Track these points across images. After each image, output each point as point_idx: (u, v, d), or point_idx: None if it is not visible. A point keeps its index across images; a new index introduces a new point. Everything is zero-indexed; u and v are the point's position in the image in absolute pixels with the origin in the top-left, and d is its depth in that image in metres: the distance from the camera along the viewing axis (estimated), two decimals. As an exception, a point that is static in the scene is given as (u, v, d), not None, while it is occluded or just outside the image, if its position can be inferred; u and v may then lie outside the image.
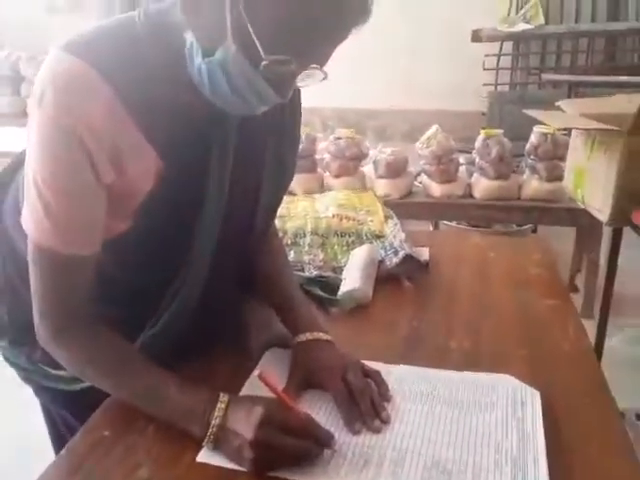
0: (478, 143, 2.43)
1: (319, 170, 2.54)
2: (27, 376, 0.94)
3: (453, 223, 2.88)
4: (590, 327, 1.07)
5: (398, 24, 3.95)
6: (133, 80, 0.67)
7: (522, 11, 4.31)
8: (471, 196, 2.48)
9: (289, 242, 1.25)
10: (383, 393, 0.78)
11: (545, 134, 2.34)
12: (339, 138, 2.49)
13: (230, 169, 0.77)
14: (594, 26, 4.26)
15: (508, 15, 4.34)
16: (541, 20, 4.24)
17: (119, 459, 0.68)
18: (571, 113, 1.61)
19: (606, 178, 1.43)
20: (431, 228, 2.97)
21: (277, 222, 1.06)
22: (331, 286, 1.09)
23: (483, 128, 2.68)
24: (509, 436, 0.71)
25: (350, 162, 2.48)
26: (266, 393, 0.72)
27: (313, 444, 0.67)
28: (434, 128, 2.47)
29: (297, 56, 0.62)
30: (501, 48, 4.36)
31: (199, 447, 0.69)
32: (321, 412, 0.76)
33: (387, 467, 0.66)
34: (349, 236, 1.29)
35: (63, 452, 0.70)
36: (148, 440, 0.71)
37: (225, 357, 0.88)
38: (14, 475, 1.63)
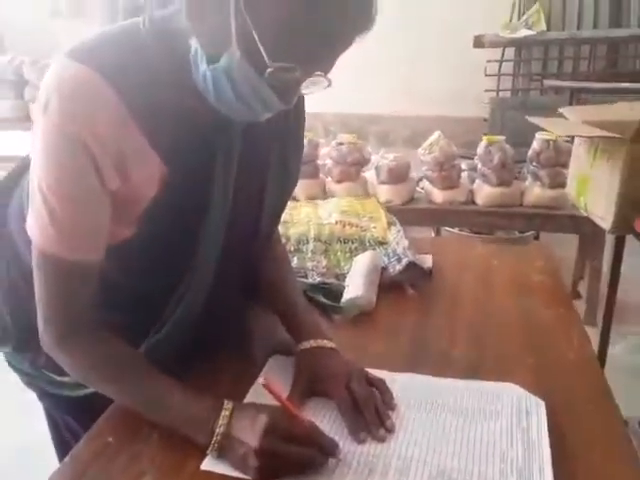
0: (480, 149, 2.43)
1: (321, 176, 2.54)
2: (30, 381, 0.94)
3: (455, 229, 2.88)
4: (593, 334, 1.07)
5: (400, 30, 3.96)
6: (137, 86, 0.67)
7: (524, 17, 4.32)
8: (473, 202, 2.48)
9: (292, 248, 1.25)
10: (387, 401, 0.78)
11: (547, 141, 2.34)
12: (341, 144, 2.49)
13: (234, 175, 0.77)
14: (596, 33, 4.27)
15: (510, 21, 4.35)
16: (543, 26, 4.25)
17: (123, 467, 0.68)
18: (573, 120, 1.61)
19: (609, 186, 1.43)
20: (433, 234, 2.97)
21: (280, 228, 1.06)
22: (334, 293, 1.09)
23: (485, 134, 2.68)
24: (514, 445, 0.70)
25: (352, 168, 2.48)
26: (270, 400, 0.72)
27: (318, 453, 0.67)
28: (436, 134, 2.47)
29: (302, 63, 0.62)
30: (503, 54, 4.37)
31: (203, 455, 0.68)
32: (325, 420, 0.75)
33: (392, 476, 0.66)
34: (352, 242, 1.29)
35: (67, 459, 0.70)
36: (152, 448, 0.71)
37: (229, 363, 0.88)
38: (17, 480, 1.63)
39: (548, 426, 0.73)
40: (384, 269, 1.18)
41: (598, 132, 1.44)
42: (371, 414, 0.74)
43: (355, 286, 1.09)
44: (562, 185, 2.24)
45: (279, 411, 0.70)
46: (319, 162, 2.53)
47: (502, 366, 0.89)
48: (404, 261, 1.17)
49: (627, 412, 0.89)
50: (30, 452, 1.51)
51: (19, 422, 1.63)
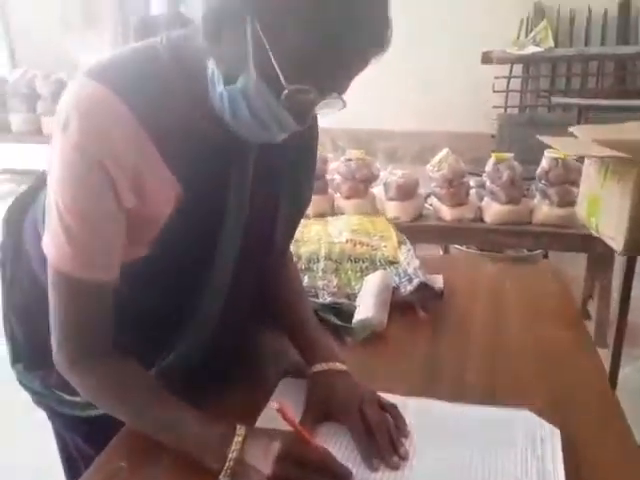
0: (489, 167, 2.43)
1: (330, 191, 2.54)
2: (41, 400, 0.94)
3: (463, 247, 2.87)
4: (603, 356, 1.06)
5: (409, 46, 3.98)
6: (152, 103, 0.67)
7: (532, 34, 4.34)
8: (481, 220, 2.48)
9: (303, 267, 1.25)
10: (400, 427, 0.77)
11: (556, 159, 2.34)
12: (350, 159, 2.49)
13: (249, 193, 0.78)
14: (604, 49, 4.29)
15: (518, 38, 4.38)
16: (551, 43, 4.27)
17: (136, 491, 0.68)
18: (583, 139, 1.61)
19: (620, 207, 1.43)
20: (441, 252, 2.97)
21: (291, 247, 1.06)
22: (346, 313, 1.09)
23: (493, 151, 2.68)
24: (529, 474, 0.70)
25: (361, 184, 2.48)
26: (282, 424, 0.71)
27: (331, 480, 0.66)
28: (445, 151, 2.47)
29: (317, 85, 0.63)
30: (511, 70, 4.39)
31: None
32: (338, 446, 0.75)
33: (406, 505, 0.65)
34: (363, 262, 1.29)
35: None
36: (165, 472, 0.70)
37: (240, 385, 0.88)
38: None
39: (563, 455, 0.73)
40: (395, 289, 1.18)
41: (608, 152, 1.43)
42: (384, 440, 0.74)
43: (366, 306, 1.09)
44: (571, 203, 2.23)
45: (292, 437, 0.69)
46: (328, 177, 2.53)
47: (515, 390, 0.89)
48: (415, 281, 1.17)
49: (638, 435, 0.89)
50: (41, 472, 1.50)
51: (30, 441, 1.62)
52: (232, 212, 0.76)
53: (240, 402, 0.84)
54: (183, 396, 0.74)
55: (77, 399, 0.86)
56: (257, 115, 0.65)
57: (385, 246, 1.35)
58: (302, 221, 0.95)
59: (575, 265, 2.64)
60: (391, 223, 1.54)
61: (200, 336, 0.82)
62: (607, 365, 1.69)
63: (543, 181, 2.38)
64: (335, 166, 2.54)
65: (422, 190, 2.56)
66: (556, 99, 3.92)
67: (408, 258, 1.29)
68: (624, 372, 1.77)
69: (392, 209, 2.46)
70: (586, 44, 4.38)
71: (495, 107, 4.25)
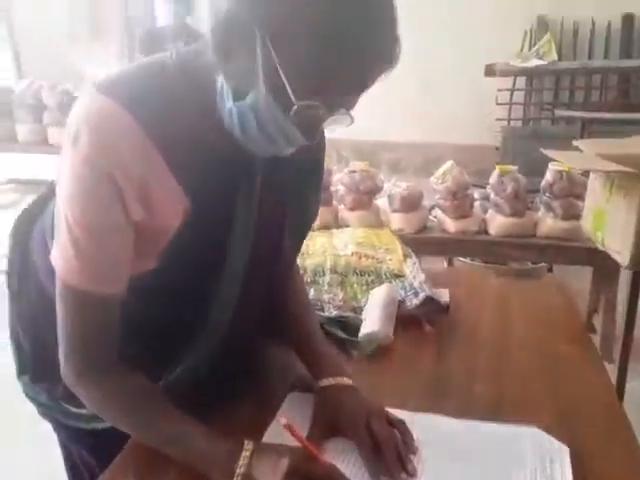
0: (493, 179, 2.43)
1: (334, 203, 2.55)
2: (46, 412, 0.93)
3: (467, 259, 2.87)
4: (609, 371, 1.05)
5: (413, 58, 4.00)
6: (160, 117, 0.68)
7: (535, 47, 4.37)
8: (486, 232, 2.47)
9: (309, 280, 1.25)
10: (408, 443, 0.77)
11: (560, 172, 2.34)
12: (353, 171, 2.50)
13: (257, 201, 0.78)
14: (607, 63, 4.31)
15: (521, 50, 4.40)
16: (554, 56, 4.29)
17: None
18: (588, 153, 1.61)
19: (626, 222, 1.43)
20: (445, 263, 2.96)
21: (297, 260, 1.06)
22: (352, 327, 1.09)
23: (497, 163, 2.68)
24: (538, 494, 0.69)
25: (365, 196, 2.48)
26: (289, 439, 0.71)
27: (339, 496, 0.66)
28: (449, 163, 2.48)
29: (326, 102, 0.63)
30: (514, 83, 4.41)
31: (223, 496, 0.68)
32: (345, 462, 0.74)
33: (414, 523, 0.65)
34: (368, 275, 1.28)
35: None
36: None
37: (248, 399, 0.88)
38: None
39: (572, 473, 0.72)
40: (401, 302, 1.18)
41: (614, 167, 1.43)
42: (392, 456, 0.73)
43: (372, 320, 1.09)
44: (575, 216, 2.23)
45: (300, 453, 0.69)
46: (332, 188, 2.54)
47: (523, 405, 0.89)
48: (421, 295, 1.17)
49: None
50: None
51: (35, 453, 1.62)
52: (240, 222, 0.76)
53: (247, 416, 0.84)
54: (190, 411, 0.74)
55: (83, 411, 0.86)
56: (265, 130, 0.66)
57: (390, 259, 1.35)
58: (307, 234, 0.95)
59: (580, 278, 2.63)
60: (396, 235, 1.54)
61: (209, 347, 0.82)
62: (613, 380, 1.68)
63: (547, 194, 2.38)
64: (339, 177, 2.55)
65: (426, 202, 2.56)
66: (559, 112, 3.94)
67: (414, 271, 1.29)
68: (631, 386, 1.76)
69: (396, 221, 2.47)
70: (589, 57, 4.40)
71: (498, 119, 4.27)
